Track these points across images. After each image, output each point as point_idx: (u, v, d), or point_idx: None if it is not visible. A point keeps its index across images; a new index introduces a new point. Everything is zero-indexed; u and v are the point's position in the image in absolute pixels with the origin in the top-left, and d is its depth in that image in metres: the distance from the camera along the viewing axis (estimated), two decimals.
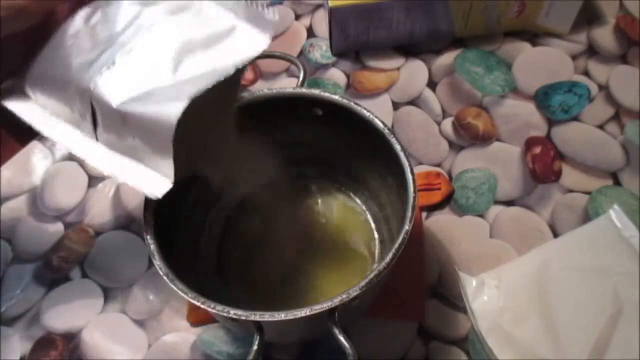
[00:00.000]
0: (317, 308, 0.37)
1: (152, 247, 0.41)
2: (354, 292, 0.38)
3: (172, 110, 0.33)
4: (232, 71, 0.35)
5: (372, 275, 0.38)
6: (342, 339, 0.37)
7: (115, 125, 0.36)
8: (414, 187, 0.42)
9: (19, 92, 0.40)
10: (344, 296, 0.38)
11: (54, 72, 0.38)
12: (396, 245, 0.39)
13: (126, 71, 0.36)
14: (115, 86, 0.36)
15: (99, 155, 0.38)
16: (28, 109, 0.40)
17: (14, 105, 0.40)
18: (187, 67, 0.36)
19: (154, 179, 0.37)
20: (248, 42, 0.37)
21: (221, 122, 0.43)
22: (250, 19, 0.38)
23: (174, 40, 0.36)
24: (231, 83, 0.37)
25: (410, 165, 0.43)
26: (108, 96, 0.36)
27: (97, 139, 0.39)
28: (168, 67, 0.36)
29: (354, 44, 0.68)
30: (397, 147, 0.44)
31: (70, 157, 0.63)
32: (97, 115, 0.37)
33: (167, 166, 0.36)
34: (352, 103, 0.47)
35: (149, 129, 0.35)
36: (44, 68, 0.38)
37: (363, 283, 0.38)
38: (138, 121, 0.35)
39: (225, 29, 0.37)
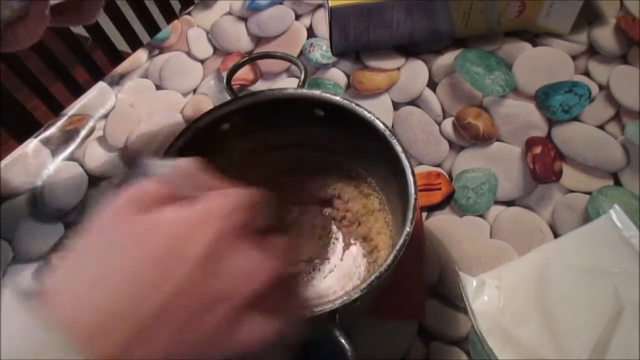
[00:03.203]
0: (318, 310, 0.37)
1: None
2: (355, 294, 0.38)
3: None
4: None
5: (373, 277, 0.38)
6: (342, 340, 0.37)
7: None
8: (415, 188, 0.42)
9: None
10: (345, 298, 0.38)
11: None
12: (397, 247, 0.39)
13: None
14: None
15: None
16: None
17: None
18: None
19: None
20: None
21: None
22: None
23: None
24: None
25: (411, 166, 0.43)
26: None
27: None
28: None
29: (354, 44, 0.68)
30: (398, 149, 0.44)
31: (70, 157, 0.63)
32: None
33: None
34: (353, 104, 0.47)
35: None
36: None
37: (364, 285, 0.38)
38: None
39: None
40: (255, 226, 0.27)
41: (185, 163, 0.28)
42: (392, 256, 0.39)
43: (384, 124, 0.46)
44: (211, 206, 0.25)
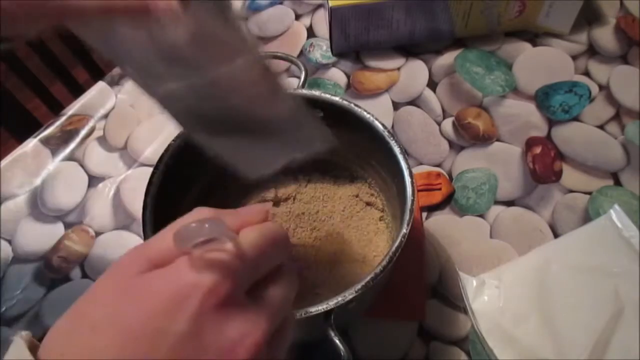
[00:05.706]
0: (313, 310, 0.37)
1: None
2: (349, 294, 0.38)
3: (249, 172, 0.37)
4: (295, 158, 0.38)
5: (368, 279, 0.38)
6: (337, 341, 0.37)
7: None
8: (413, 190, 0.42)
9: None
10: (340, 299, 0.37)
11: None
12: (393, 249, 0.39)
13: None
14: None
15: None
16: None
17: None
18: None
19: None
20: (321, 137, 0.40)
21: None
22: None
23: None
24: None
25: (409, 168, 0.43)
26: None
27: None
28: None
29: (354, 44, 0.68)
30: (397, 150, 0.44)
31: (70, 157, 0.63)
32: None
33: None
34: (352, 105, 0.47)
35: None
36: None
37: (359, 286, 0.38)
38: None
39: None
40: (245, 286, 0.27)
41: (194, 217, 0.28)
42: (387, 258, 0.39)
43: (382, 124, 0.46)
44: (198, 276, 0.25)
